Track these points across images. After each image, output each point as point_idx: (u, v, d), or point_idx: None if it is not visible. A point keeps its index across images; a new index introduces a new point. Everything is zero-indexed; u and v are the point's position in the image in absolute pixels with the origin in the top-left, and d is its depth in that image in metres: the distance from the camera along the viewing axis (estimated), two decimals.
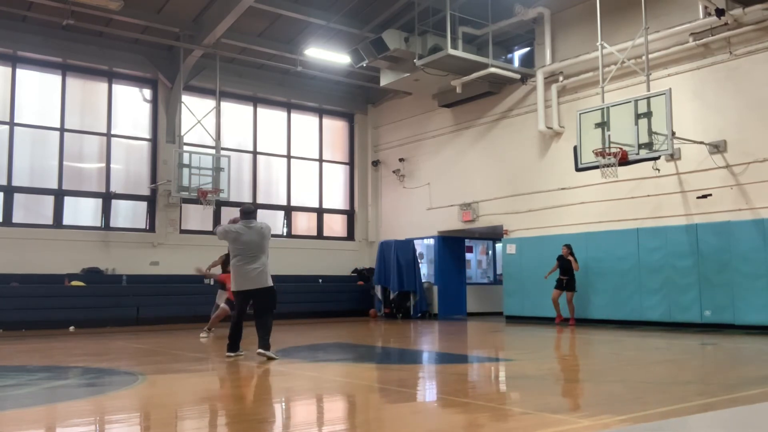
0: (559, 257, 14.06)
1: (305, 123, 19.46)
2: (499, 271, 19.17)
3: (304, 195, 19.27)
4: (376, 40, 15.13)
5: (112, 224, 16.04)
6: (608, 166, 11.42)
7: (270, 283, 8.16)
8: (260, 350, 7.97)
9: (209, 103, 16.95)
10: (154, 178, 16.57)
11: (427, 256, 18.87)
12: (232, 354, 8.21)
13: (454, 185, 17.42)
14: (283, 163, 18.96)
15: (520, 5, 15.15)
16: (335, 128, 20.17)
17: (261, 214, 17.21)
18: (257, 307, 8.18)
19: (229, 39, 15.83)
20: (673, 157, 12.44)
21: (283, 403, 5.62)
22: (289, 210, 18.89)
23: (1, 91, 15.09)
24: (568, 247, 13.99)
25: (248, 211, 8.50)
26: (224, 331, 9.23)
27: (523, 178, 15.68)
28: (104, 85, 16.32)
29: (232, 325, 8.31)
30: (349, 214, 20.08)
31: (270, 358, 7.90)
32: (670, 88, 11.22)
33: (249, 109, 18.46)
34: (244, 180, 18.10)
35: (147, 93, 16.92)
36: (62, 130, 15.63)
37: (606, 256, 13.65)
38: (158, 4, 14.94)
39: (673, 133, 10.97)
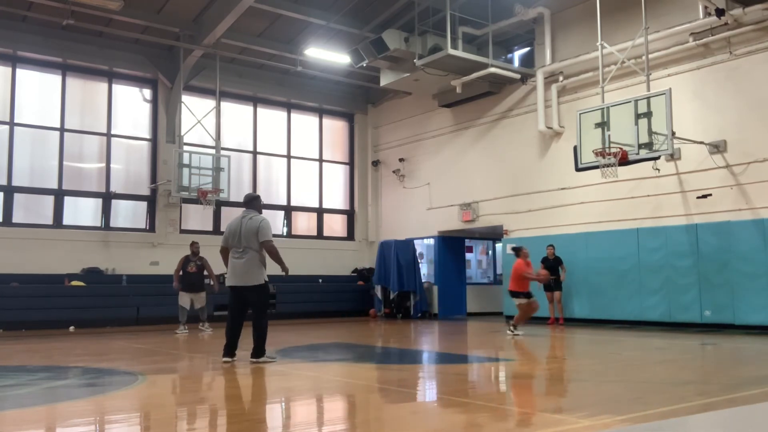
0: (543, 259, 14.19)
1: (305, 123, 19.46)
2: (499, 271, 19.17)
3: (304, 195, 19.27)
4: (376, 40, 15.13)
5: (112, 224, 16.03)
6: (608, 166, 11.42)
7: (256, 281, 7.61)
8: (251, 359, 7.63)
9: (209, 103, 16.95)
10: (154, 178, 16.57)
11: (427, 256, 18.87)
12: (227, 359, 7.75)
13: (454, 185, 17.42)
14: (283, 163, 18.96)
15: (520, 5, 15.15)
16: (335, 128, 20.17)
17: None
18: (250, 308, 7.80)
19: (229, 39, 15.83)
20: (673, 157, 12.43)
21: (283, 403, 5.62)
22: (289, 210, 18.89)
23: (1, 91, 15.08)
24: (553, 247, 14.16)
25: (246, 200, 8.04)
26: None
27: (523, 178, 15.67)
28: (104, 85, 16.32)
29: (226, 326, 7.88)
30: (349, 214, 20.08)
31: (266, 362, 7.61)
32: (670, 88, 11.22)
33: (249, 109, 18.45)
34: (244, 180, 18.09)
35: (147, 93, 16.92)
36: (62, 130, 15.63)
37: (606, 256, 13.65)
38: (158, 4, 14.94)
39: (673, 133, 10.97)
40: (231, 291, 7.79)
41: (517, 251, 11.72)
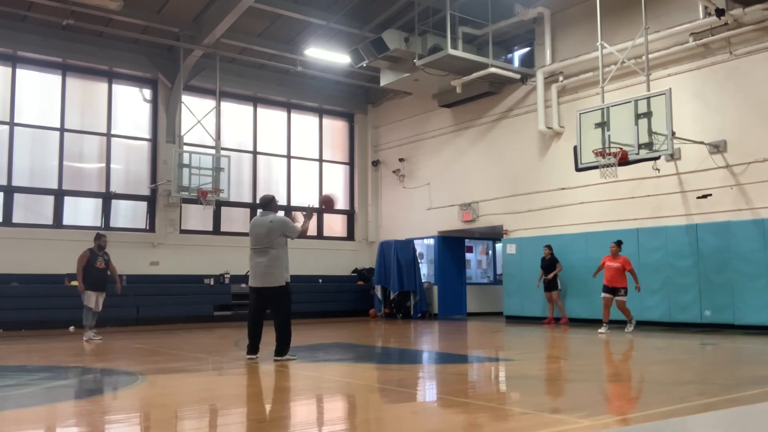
0: (541, 259, 14.36)
1: (305, 123, 19.45)
2: (499, 271, 19.17)
3: (304, 195, 19.25)
4: (376, 40, 15.12)
5: (112, 224, 16.02)
6: (608, 166, 11.42)
7: (278, 282, 7.74)
8: (274, 357, 7.78)
9: (209, 103, 16.95)
10: (154, 178, 16.56)
11: (427, 256, 18.87)
12: (251, 356, 7.88)
13: (454, 185, 17.42)
14: (283, 163, 18.95)
15: (520, 5, 15.15)
16: (335, 128, 20.16)
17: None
18: (270, 308, 7.90)
19: (229, 39, 15.82)
20: (673, 157, 12.43)
21: (283, 403, 5.62)
22: (289, 210, 18.86)
23: (1, 91, 15.08)
24: (549, 247, 14.32)
25: (262, 203, 8.29)
26: (229, 331, 9.19)
27: (523, 178, 15.67)
28: (104, 85, 16.31)
29: (248, 326, 8.02)
30: (349, 214, 20.08)
31: (288, 360, 7.74)
32: (670, 88, 11.23)
33: (249, 109, 18.45)
34: (244, 180, 18.09)
35: (147, 93, 16.91)
36: (62, 130, 15.62)
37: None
38: (158, 4, 14.94)
39: (673, 133, 10.97)
40: (252, 291, 7.90)
41: None
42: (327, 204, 8.68)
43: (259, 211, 8.26)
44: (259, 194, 18.13)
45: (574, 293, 14.28)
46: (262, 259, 7.80)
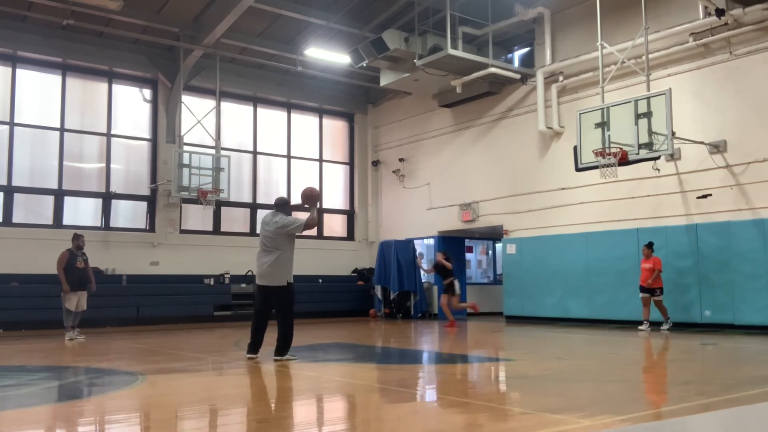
0: (435, 264, 14.81)
1: (305, 123, 19.45)
2: (499, 271, 19.17)
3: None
4: (376, 40, 15.13)
5: (112, 224, 16.02)
6: (608, 166, 11.42)
7: (279, 282, 7.80)
8: (274, 357, 7.82)
9: (209, 103, 16.94)
10: (154, 178, 16.56)
11: (427, 256, 18.87)
12: (251, 355, 7.95)
13: (454, 185, 17.42)
14: (283, 163, 18.95)
15: (520, 5, 15.15)
16: (335, 128, 20.16)
17: (261, 214, 17.20)
18: (273, 308, 7.97)
19: (229, 39, 15.82)
20: (673, 157, 12.43)
21: (284, 403, 5.62)
22: (288, 210, 18.83)
23: (1, 91, 15.07)
24: (445, 253, 14.70)
25: (276, 203, 8.37)
26: (229, 331, 9.18)
27: (523, 178, 15.68)
28: (104, 85, 16.31)
29: (252, 324, 8.10)
30: (349, 214, 20.08)
31: (288, 360, 7.78)
32: (670, 88, 11.23)
33: (249, 109, 18.45)
34: (244, 180, 18.09)
35: (147, 93, 16.91)
36: (62, 130, 15.62)
37: (606, 256, 13.65)
38: (158, 4, 14.94)
39: (673, 133, 10.98)
40: (257, 290, 8.03)
41: None
42: (309, 198, 8.11)
43: (271, 211, 8.31)
44: (259, 194, 18.22)
45: (574, 293, 14.28)
46: (266, 259, 7.90)
